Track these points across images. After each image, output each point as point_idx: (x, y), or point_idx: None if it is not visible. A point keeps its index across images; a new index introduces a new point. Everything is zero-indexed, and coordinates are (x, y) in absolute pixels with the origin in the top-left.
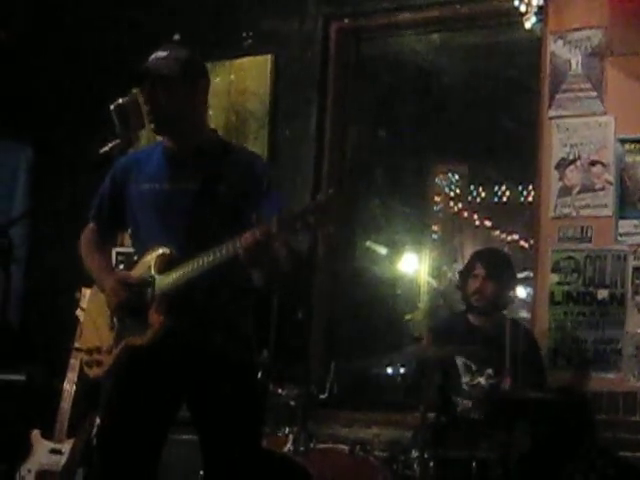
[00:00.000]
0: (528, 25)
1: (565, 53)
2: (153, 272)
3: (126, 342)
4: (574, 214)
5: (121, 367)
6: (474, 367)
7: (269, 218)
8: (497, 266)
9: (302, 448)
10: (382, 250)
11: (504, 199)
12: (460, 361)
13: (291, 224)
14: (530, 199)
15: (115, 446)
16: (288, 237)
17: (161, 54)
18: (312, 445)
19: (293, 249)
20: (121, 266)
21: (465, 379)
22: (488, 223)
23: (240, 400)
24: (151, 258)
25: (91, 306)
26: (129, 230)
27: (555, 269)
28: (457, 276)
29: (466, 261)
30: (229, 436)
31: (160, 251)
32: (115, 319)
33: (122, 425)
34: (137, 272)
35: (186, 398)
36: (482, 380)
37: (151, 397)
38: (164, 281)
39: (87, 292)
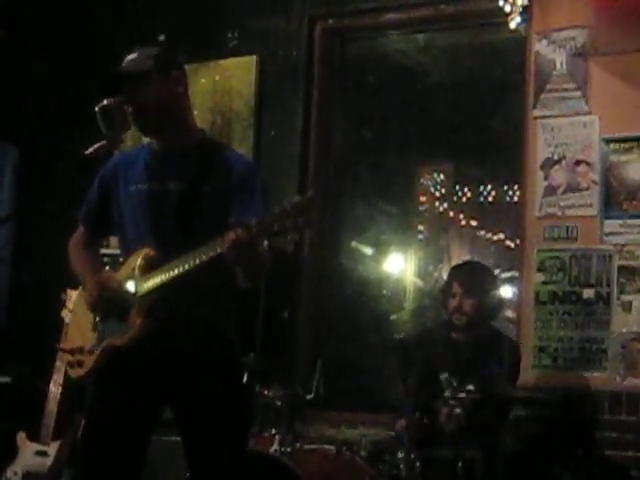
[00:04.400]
0: (513, 25)
1: (550, 53)
2: (137, 273)
3: (107, 343)
4: (559, 214)
5: (103, 368)
6: (455, 383)
7: (249, 220)
8: (474, 282)
9: (288, 449)
10: (368, 250)
11: (490, 199)
12: (442, 376)
13: (269, 226)
14: (516, 199)
15: (98, 447)
16: (268, 239)
17: (132, 56)
18: (298, 446)
19: (274, 248)
20: (107, 268)
21: (447, 394)
22: (474, 223)
23: (223, 401)
24: (136, 259)
25: (77, 307)
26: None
27: (541, 269)
28: (440, 294)
29: (448, 272)
30: (212, 438)
31: (144, 252)
32: (98, 320)
33: (105, 427)
34: (122, 273)
35: (169, 400)
36: (464, 395)
37: (132, 398)
38: (146, 282)
39: (73, 293)
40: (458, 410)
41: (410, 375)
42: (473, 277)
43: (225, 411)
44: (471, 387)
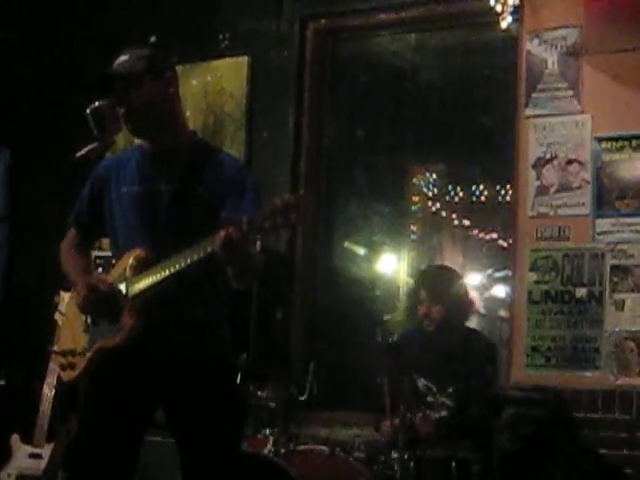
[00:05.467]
0: (504, 25)
1: (541, 52)
2: (128, 274)
3: (99, 345)
4: (552, 213)
5: (95, 370)
6: (434, 388)
7: (240, 218)
8: (440, 287)
9: (282, 450)
10: (360, 250)
11: (482, 198)
12: (420, 383)
13: (260, 223)
14: (508, 198)
15: (92, 449)
16: (259, 237)
17: (123, 57)
18: (292, 447)
19: (267, 250)
20: (100, 269)
21: (429, 399)
22: (466, 222)
23: (216, 402)
24: (127, 260)
25: (69, 309)
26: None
27: (533, 268)
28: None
29: (414, 278)
30: (204, 439)
31: (136, 253)
32: (89, 322)
33: (98, 428)
34: (113, 274)
35: (161, 400)
36: (447, 400)
37: (125, 399)
38: (138, 283)
39: (66, 295)
40: (435, 415)
41: (395, 378)
42: (438, 283)
43: (218, 412)
44: (451, 390)
